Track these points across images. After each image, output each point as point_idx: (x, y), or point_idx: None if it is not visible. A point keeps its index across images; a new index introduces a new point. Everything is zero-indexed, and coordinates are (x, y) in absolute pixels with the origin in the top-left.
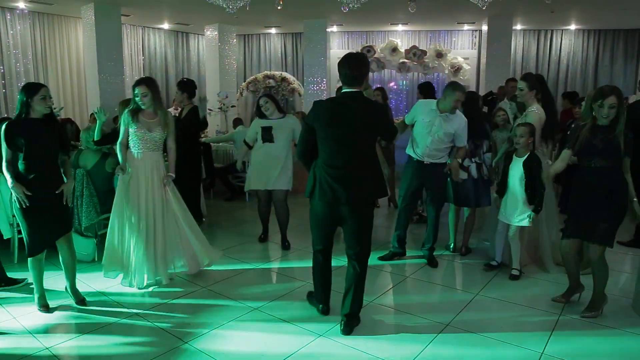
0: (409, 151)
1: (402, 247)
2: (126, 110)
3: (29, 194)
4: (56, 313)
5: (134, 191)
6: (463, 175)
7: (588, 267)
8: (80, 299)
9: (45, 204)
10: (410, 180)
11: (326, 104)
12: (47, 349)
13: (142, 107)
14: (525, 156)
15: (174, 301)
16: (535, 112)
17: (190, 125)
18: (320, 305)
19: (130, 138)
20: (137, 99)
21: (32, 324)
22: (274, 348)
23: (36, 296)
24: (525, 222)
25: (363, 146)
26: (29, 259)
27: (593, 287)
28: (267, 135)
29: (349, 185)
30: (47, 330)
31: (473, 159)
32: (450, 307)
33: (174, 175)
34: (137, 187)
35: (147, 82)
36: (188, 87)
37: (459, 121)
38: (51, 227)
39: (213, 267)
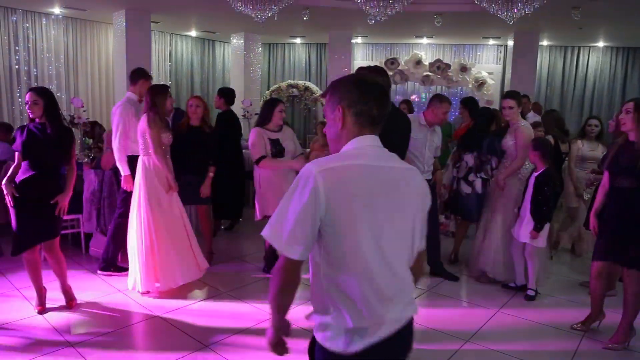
0: None
1: None
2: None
3: (17, 195)
4: (80, 311)
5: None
6: (467, 189)
7: (611, 290)
8: (69, 300)
9: (36, 206)
10: None
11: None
12: (70, 345)
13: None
14: (541, 171)
15: (196, 305)
16: (527, 127)
17: (222, 128)
18: None
19: (164, 145)
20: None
21: (56, 319)
22: (295, 355)
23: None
24: (528, 239)
25: None
26: (23, 258)
27: (622, 317)
28: (278, 147)
29: None
30: (71, 327)
31: (479, 174)
32: (470, 322)
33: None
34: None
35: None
36: (223, 93)
37: (439, 132)
38: (36, 230)
39: (235, 273)
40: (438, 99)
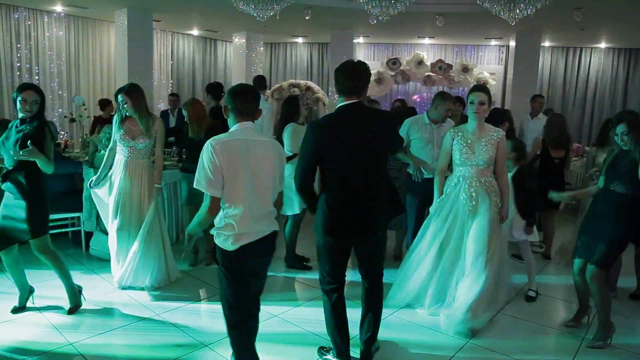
0: (410, 170)
1: None
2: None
3: None
4: (80, 310)
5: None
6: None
7: (612, 292)
8: (74, 305)
9: (12, 203)
10: (417, 202)
11: (327, 124)
12: (70, 344)
13: (127, 114)
14: (514, 171)
15: (196, 303)
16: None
17: None
18: None
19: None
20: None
21: (57, 319)
22: (293, 356)
23: None
24: (524, 236)
25: (376, 163)
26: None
27: (597, 315)
28: None
29: (363, 213)
30: (71, 326)
31: None
32: None
33: (160, 185)
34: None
35: (129, 89)
36: (208, 89)
37: (449, 124)
38: (11, 228)
39: None
40: (441, 96)
